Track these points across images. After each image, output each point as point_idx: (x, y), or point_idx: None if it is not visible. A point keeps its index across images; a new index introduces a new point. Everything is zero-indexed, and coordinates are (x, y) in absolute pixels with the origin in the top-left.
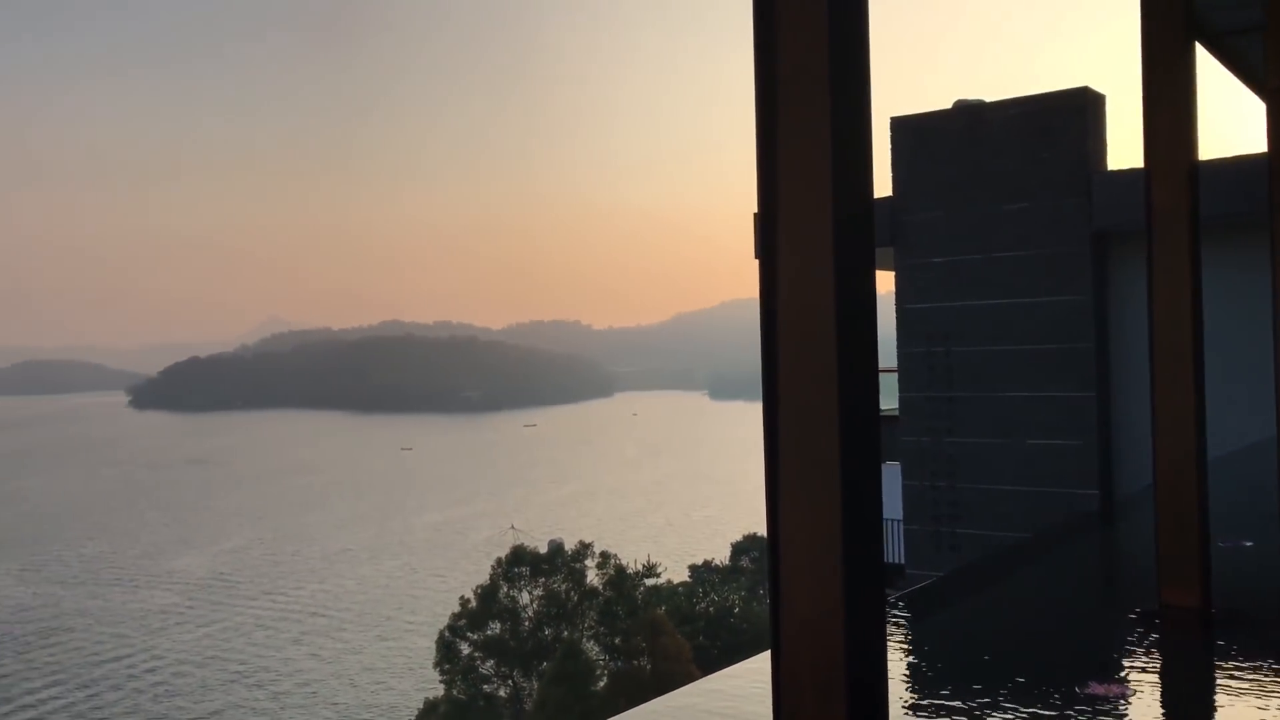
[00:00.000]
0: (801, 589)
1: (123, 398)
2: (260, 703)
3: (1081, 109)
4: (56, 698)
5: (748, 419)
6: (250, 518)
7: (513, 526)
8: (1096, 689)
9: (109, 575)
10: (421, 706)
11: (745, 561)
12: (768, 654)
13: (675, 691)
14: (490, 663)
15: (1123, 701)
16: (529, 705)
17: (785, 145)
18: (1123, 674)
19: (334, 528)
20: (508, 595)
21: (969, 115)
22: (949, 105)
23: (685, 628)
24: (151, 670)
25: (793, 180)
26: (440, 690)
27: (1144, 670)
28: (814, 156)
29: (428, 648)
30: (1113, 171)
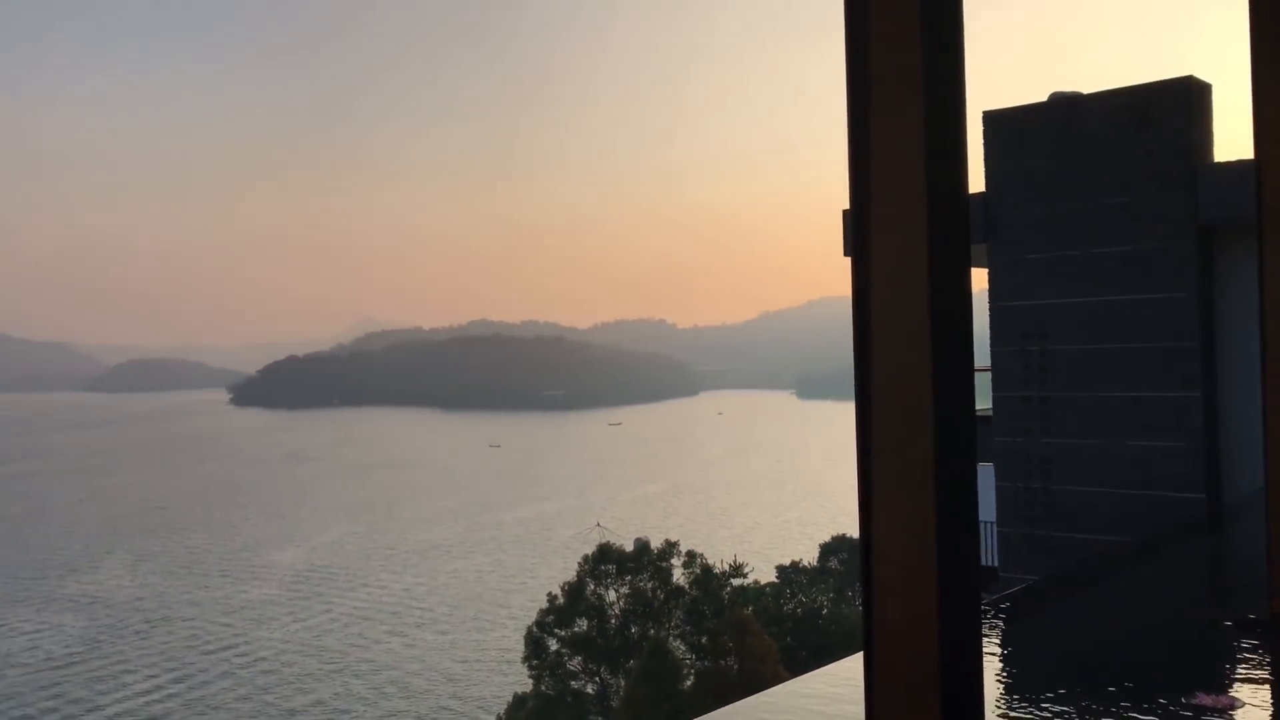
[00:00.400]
0: (896, 591)
1: (224, 395)
2: (358, 693)
3: (1185, 99)
4: (163, 686)
5: (836, 419)
6: (345, 512)
7: (598, 524)
8: (1204, 699)
9: (212, 567)
10: (510, 701)
11: (834, 563)
12: (860, 656)
13: (765, 692)
14: (577, 659)
15: (1231, 713)
16: (616, 703)
17: (877, 141)
18: (1231, 684)
19: (425, 523)
20: (594, 593)
21: (1066, 107)
22: (1044, 98)
23: (772, 628)
24: (253, 661)
25: (885, 177)
26: (529, 685)
27: (1254, 681)
28: (907, 152)
29: (516, 642)
30: (1219, 164)
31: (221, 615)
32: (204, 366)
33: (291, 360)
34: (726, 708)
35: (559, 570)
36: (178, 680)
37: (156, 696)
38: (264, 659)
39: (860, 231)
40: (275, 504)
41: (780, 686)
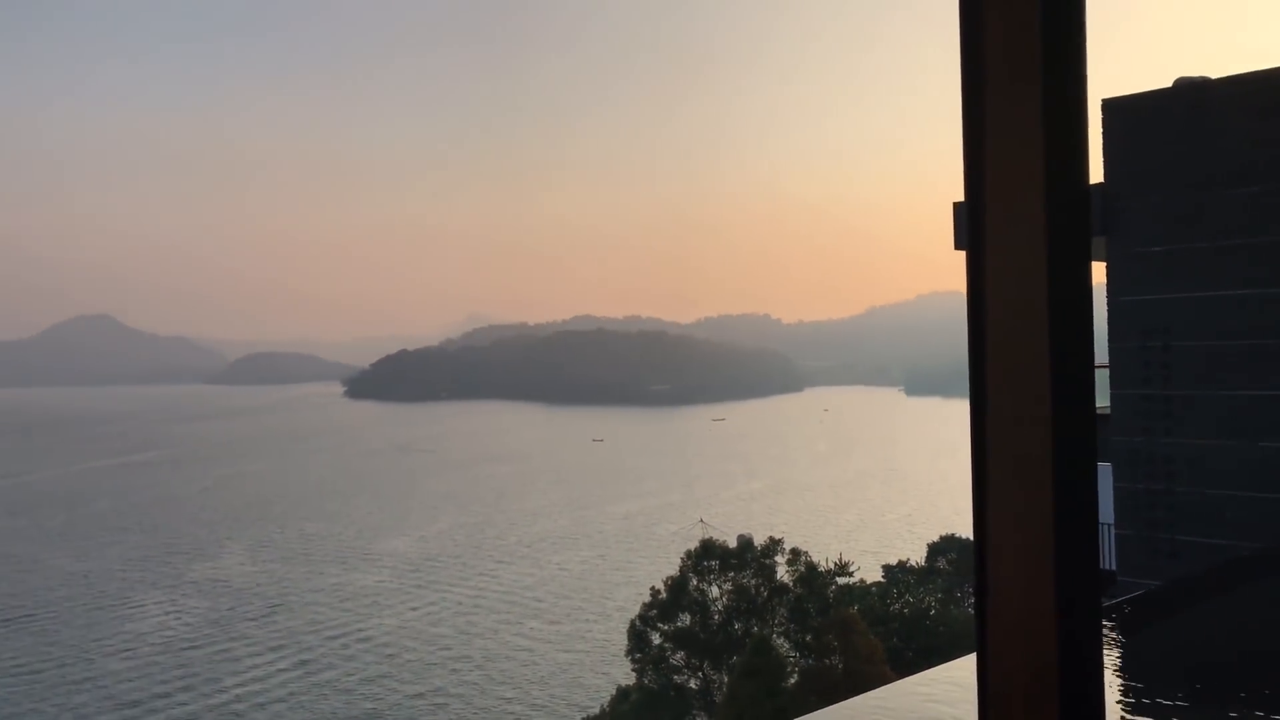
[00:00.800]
0: (1012, 594)
1: (339, 388)
2: (465, 681)
3: None
4: (281, 670)
5: (945, 416)
6: (454, 503)
7: (701, 520)
8: None
9: (328, 554)
10: (614, 693)
11: (942, 563)
12: (971, 658)
13: (875, 691)
14: (680, 654)
15: None
16: (719, 698)
17: (993, 132)
18: None
19: (531, 515)
20: (697, 588)
21: (1192, 94)
22: (1168, 83)
23: (878, 628)
24: (371, 647)
25: (1002, 168)
26: (632, 678)
27: None
28: (1025, 143)
29: (619, 635)
30: None
31: (339, 601)
32: (319, 360)
33: (402, 354)
34: (837, 705)
35: (661, 565)
36: (299, 664)
37: (279, 679)
38: (381, 645)
39: (976, 225)
40: (387, 494)
41: (890, 687)
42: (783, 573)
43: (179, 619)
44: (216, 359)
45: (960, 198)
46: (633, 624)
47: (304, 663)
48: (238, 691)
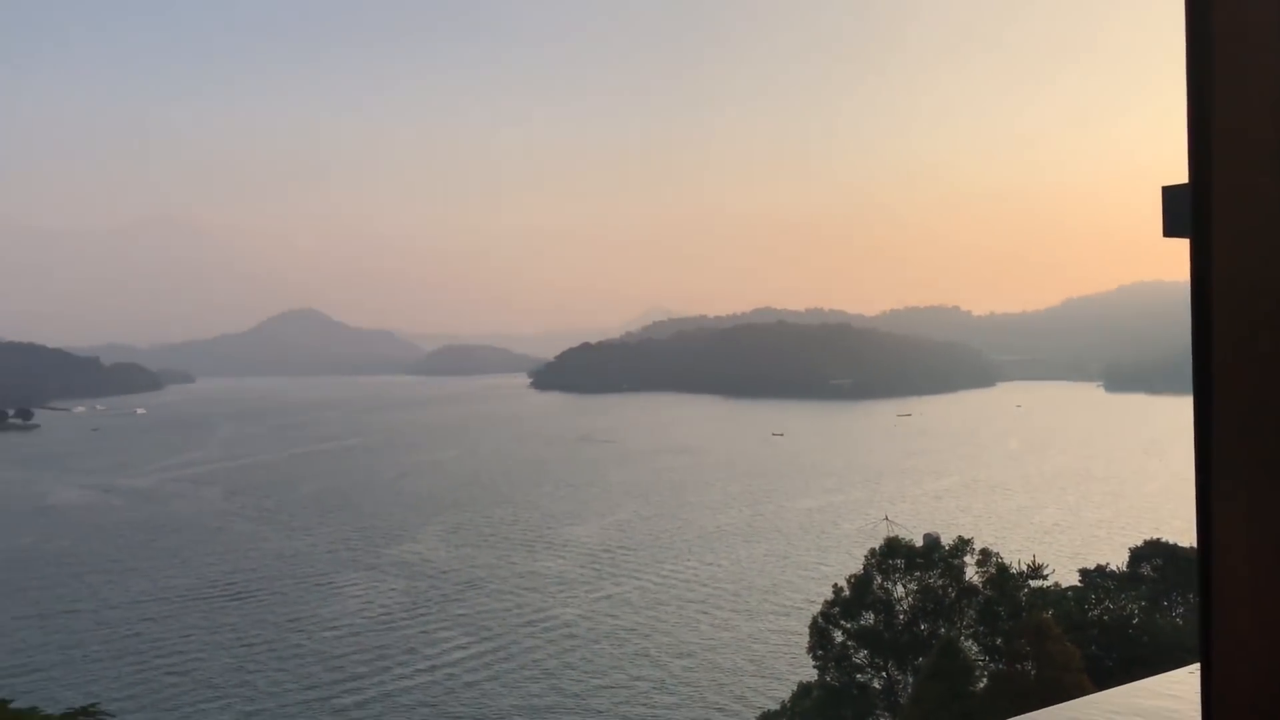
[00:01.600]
0: (1241, 603)
1: (525, 379)
2: (648, 671)
3: None
4: (467, 647)
5: (1150, 413)
6: (634, 494)
7: (886, 518)
8: None
9: (514, 540)
10: (796, 689)
11: (1146, 569)
12: (1187, 670)
13: (1077, 701)
14: (863, 653)
15: None
16: (903, 699)
17: (1222, 107)
18: None
19: (710, 508)
20: (881, 587)
21: None
22: None
23: (1075, 635)
24: (550, 630)
25: (1231, 147)
26: (813, 675)
27: None
28: (1258, 118)
29: (800, 632)
30: None
31: (527, 586)
32: (508, 353)
33: (585, 347)
34: (1058, 706)
35: (844, 562)
36: (495, 649)
37: (477, 660)
38: (567, 631)
39: (1201, 209)
40: (569, 483)
41: (1100, 696)
42: (972, 574)
43: (379, 598)
44: (414, 351)
45: (1168, 181)
46: (815, 620)
47: (498, 645)
48: (439, 670)
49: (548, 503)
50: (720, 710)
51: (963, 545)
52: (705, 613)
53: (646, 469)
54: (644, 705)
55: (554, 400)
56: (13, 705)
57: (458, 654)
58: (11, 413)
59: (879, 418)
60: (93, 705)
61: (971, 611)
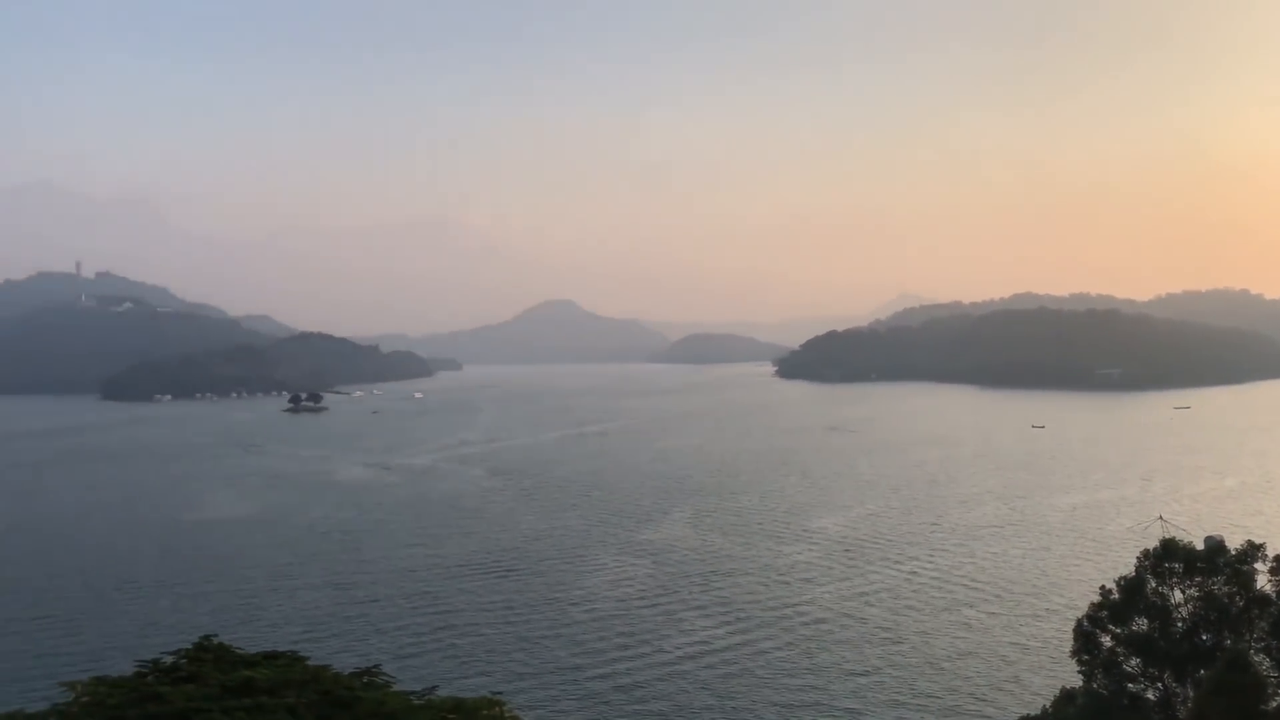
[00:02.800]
0: None
1: (770, 368)
2: (900, 665)
3: None
4: (716, 633)
5: None
6: (883, 486)
7: (1161, 517)
8: None
9: (760, 528)
10: (1058, 694)
11: None
12: None
13: None
14: (1135, 660)
15: None
16: (1182, 713)
17: None
18: None
19: (964, 502)
20: (1156, 591)
21: None
22: None
23: None
24: (800, 622)
25: None
26: (1078, 681)
27: None
28: None
29: (1062, 634)
30: None
31: (774, 575)
32: (753, 341)
33: (831, 335)
34: None
35: (1112, 563)
36: (744, 639)
37: (726, 649)
38: (816, 621)
39: None
40: (816, 473)
41: None
42: (1264, 582)
43: (629, 580)
44: (660, 340)
45: None
46: (1080, 623)
47: (747, 635)
48: (689, 656)
49: (795, 492)
50: (975, 712)
51: (1252, 550)
52: (959, 610)
53: (897, 460)
54: (897, 702)
55: (800, 389)
56: (309, 662)
57: (707, 641)
58: (304, 396)
59: (1152, 410)
60: (374, 667)
61: (1263, 623)
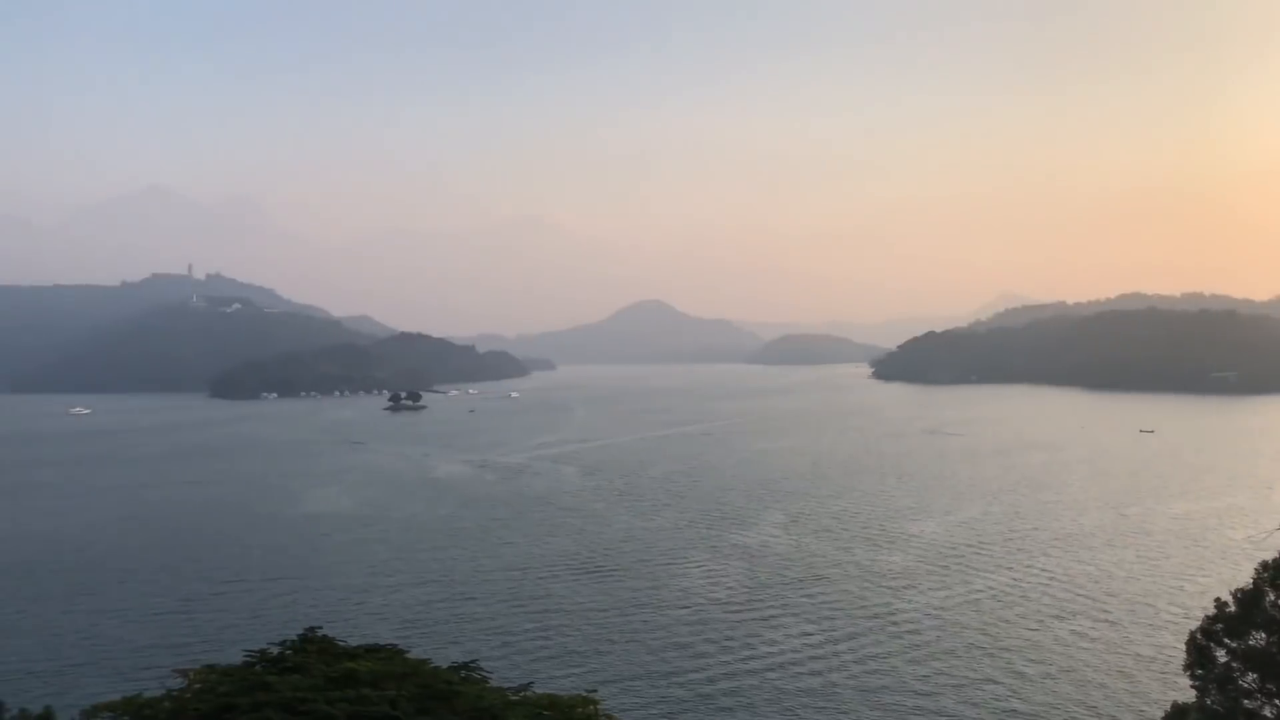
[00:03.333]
0: None
1: (866, 369)
2: (998, 676)
3: None
4: (812, 633)
5: None
6: (984, 490)
7: None
8: None
9: (856, 532)
10: (1169, 709)
11: None
12: None
13: None
14: (1252, 676)
15: None
16: None
17: None
18: None
19: (1069, 508)
20: (1274, 604)
21: None
22: None
23: None
24: (896, 628)
25: None
26: (1190, 696)
27: None
28: None
29: (1173, 647)
30: None
31: (871, 579)
32: (848, 342)
33: (930, 336)
34: None
35: (1228, 575)
36: (839, 644)
37: (821, 653)
38: (917, 628)
39: None
40: (914, 477)
41: None
42: None
43: (722, 581)
44: (752, 340)
45: None
46: (1193, 636)
47: (842, 640)
48: (784, 661)
49: (892, 496)
50: (1090, 711)
51: None
52: (1069, 619)
53: (999, 464)
54: (1010, 712)
55: (897, 391)
56: (408, 655)
57: (802, 648)
58: (404, 395)
59: (1273, 416)
60: (471, 661)
61: None
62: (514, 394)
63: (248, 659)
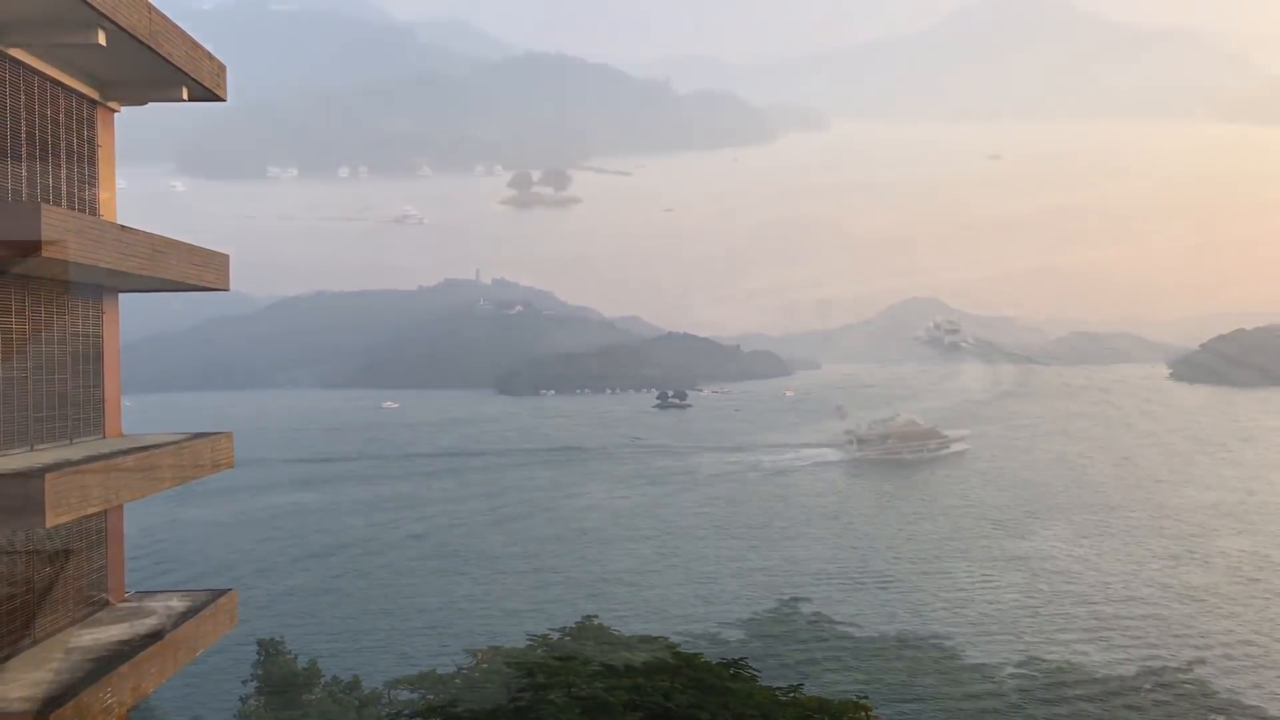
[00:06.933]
0: None
1: (1163, 370)
2: None
3: None
4: (1100, 651)
5: None
6: None
7: None
8: None
9: (1151, 546)
10: None
11: None
12: None
13: None
14: None
15: None
16: None
17: None
18: None
19: None
20: None
21: None
22: None
23: None
24: (1209, 653)
25: None
26: None
27: None
28: None
29: None
30: None
31: (1173, 600)
32: (1142, 340)
33: (1239, 333)
34: None
35: None
36: (1136, 659)
37: (1118, 672)
38: (1225, 652)
39: None
40: (1219, 488)
41: None
42: None
43: (1001, 597)
44: (1037, 337)
45: None
46: None
47: (1148, 668)
48: (1067, 676)
49: (1191, 509)
50: None
51: None
52: None
53: None
54: None
55: (1200, 394)
56: (678, 648)
57: (1092, 668)
58: (670, 393)
59: None
60: (741, 659)
61: None
62: (789, 393)
63: (530, 643)
